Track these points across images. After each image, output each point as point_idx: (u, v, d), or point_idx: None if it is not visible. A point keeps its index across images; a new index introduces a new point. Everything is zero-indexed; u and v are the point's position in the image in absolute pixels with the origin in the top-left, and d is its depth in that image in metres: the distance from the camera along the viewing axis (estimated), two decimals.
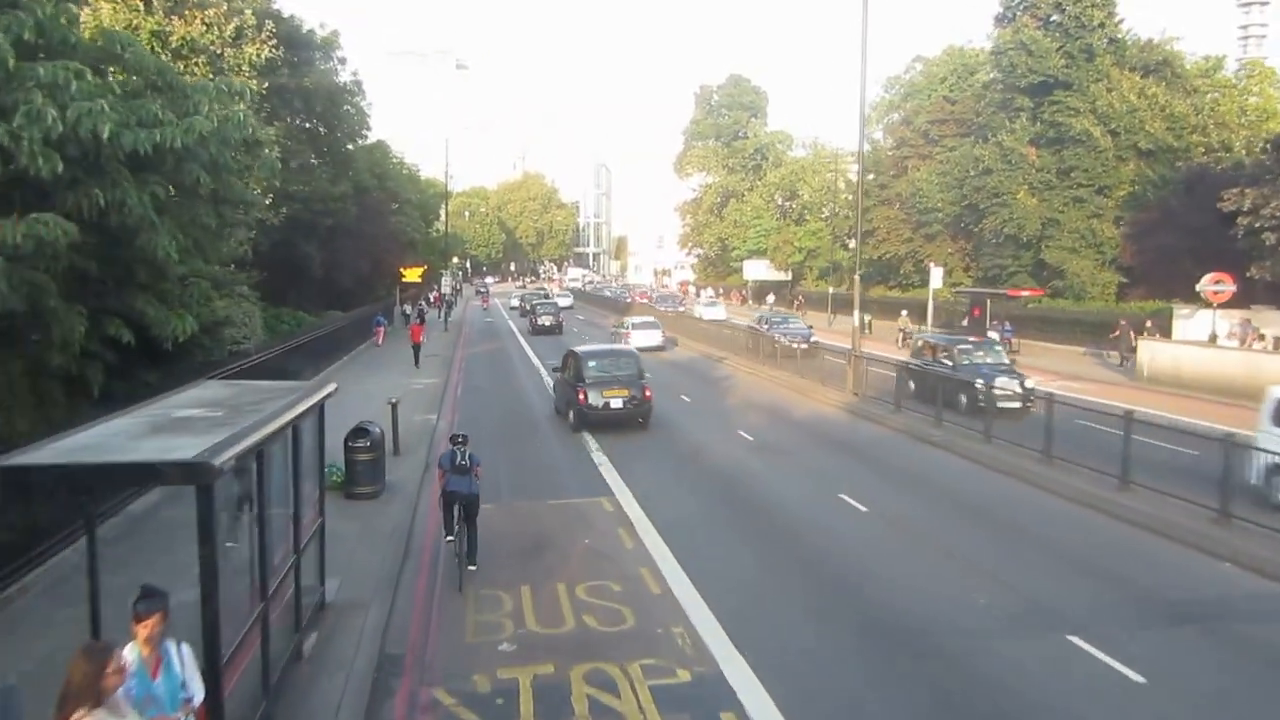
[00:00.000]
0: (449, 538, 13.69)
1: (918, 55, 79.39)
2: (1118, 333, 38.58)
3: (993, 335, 41.73)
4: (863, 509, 16.19)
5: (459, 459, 13.63)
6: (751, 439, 22.42)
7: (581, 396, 23.16)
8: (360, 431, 16.79)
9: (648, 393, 23.76)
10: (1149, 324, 38.72)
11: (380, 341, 46.43)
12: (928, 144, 63.65)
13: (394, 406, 20.23)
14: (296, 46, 37.32)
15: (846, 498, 16.79)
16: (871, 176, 65.42)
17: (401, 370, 35.51)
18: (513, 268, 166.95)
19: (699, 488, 18.12)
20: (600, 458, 20.45)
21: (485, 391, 31.73)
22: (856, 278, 29.30)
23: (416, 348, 38.59)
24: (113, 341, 14.08)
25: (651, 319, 49.33)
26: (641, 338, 41.79)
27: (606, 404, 23.18)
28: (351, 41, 49.47)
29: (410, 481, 18.06)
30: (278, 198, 30.90)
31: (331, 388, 11.16)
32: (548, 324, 54.79)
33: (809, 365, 32.11)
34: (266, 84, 27.52)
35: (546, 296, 74.28)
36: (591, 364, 24.12)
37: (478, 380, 34.87)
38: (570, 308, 77.24)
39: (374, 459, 16.79)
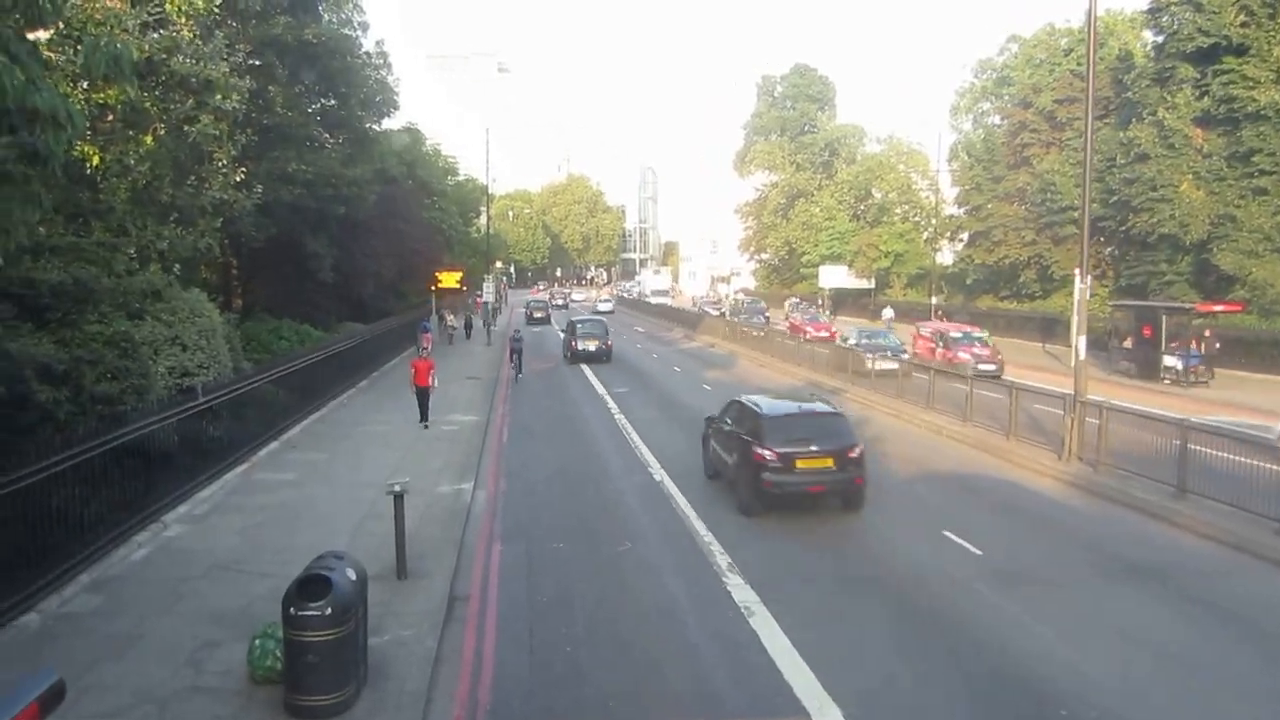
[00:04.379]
0: (512, 368, 34.36)
1: (1012, 35, 70.16)
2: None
3: (1173, 363, 32.93)
4: None
5: (517, 338, 35.07)
6: (972, 548, 13.83)
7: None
8: (315, 584, 8.50)
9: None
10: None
11: (427, 347, 38.06)
12: (1054, 128, 54.44)
13: (398, 499, 11.90)
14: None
15: None
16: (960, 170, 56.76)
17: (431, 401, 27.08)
18: (558, 273, 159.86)
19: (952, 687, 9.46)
20: (744, 593, 11.98)
21: (539, 435, 23.52)
22: (1081, 284, 20.06)
23: (423, 395, 23.13)
24: None
25: None
26: None
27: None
28: (388, 46, 42.20)
29: (419, 654, 9.74)
30: (257, 176, 22.86)
31: None
32: None
33: (980, 406, 23.29)
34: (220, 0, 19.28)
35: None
36: None
37: (529, 415, 26.69)
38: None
39: (339, 637, 8.49)
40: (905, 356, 32.95)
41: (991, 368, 33.24)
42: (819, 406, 17.36)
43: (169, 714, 8.45)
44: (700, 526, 14.90)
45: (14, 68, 6.87)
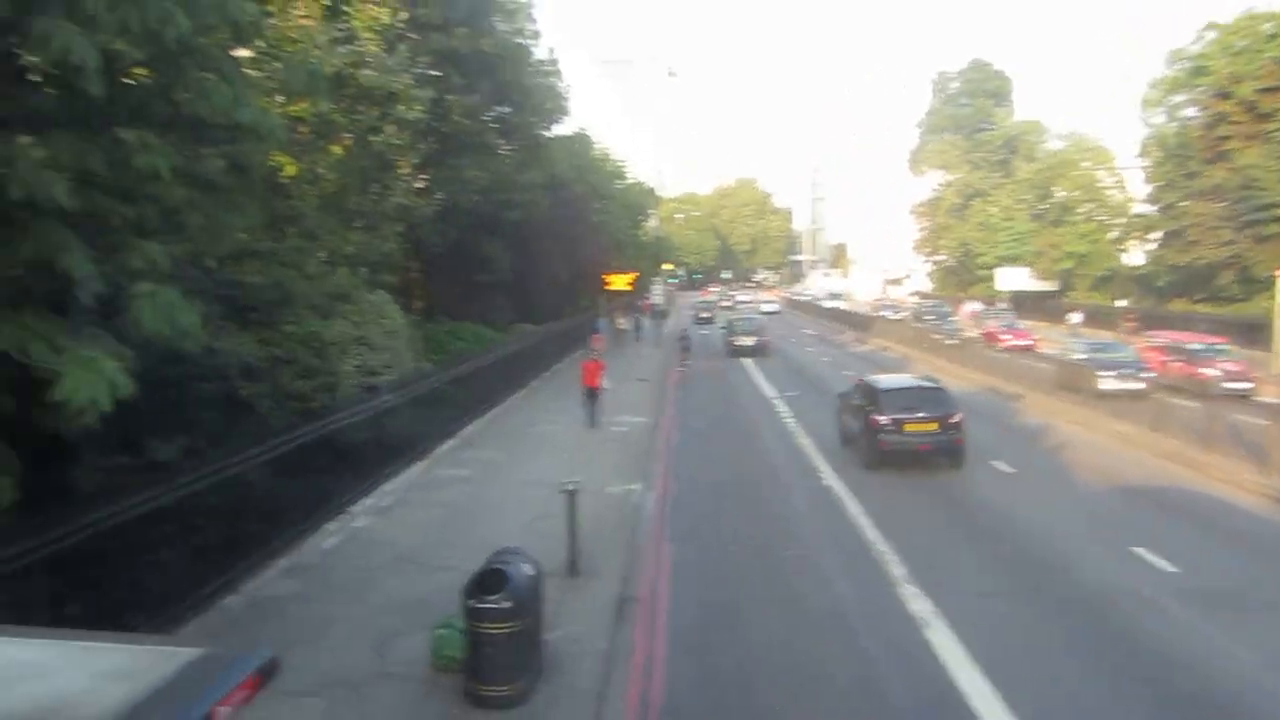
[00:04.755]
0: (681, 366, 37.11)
1: (1210, 22, 65.37)
2: None
3: None
4: None
5: (685, 338, 41.84)
6: (1165, 565, 12.90)
7: None
8: (492, 578, 8.73)
9: None
10: None
11: (599, 349, 38.32)
12: (1256, 119, 50.53)
13: (571, 498, 12.13)
14: (473, 7, 30.27)
15: None
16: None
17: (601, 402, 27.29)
18: (727, 275, 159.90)
19: None
20: (919, 604, 11.62)
21: (709, 438, 23.52)
22: None
23: (593, 397, 23.32)
24: None
25: None
26: None
27: None
28: (558, 52, 43.27)
29: (591, 651, 9.87)
30: (437, 183, 23.75)
31: None
32: None
33: (1172, 415, 21.83)
34: (405, 16, 20.11)
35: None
36: None
37: (698, 417, 26.68)
38: None
39: (516, 630, 8.70)
40: (1150, 375, 27.74)
41: (1244, 385, 27.72)
42: (926, 382, 20.89)
43: (359, 696, 8.84)
44: (874, 535, 14.54)
45: (222, 85, 7.35)
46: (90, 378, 6.37)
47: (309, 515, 13.21)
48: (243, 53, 11.95)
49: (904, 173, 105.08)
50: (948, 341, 42.92)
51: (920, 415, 18.49)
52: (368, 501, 15.36)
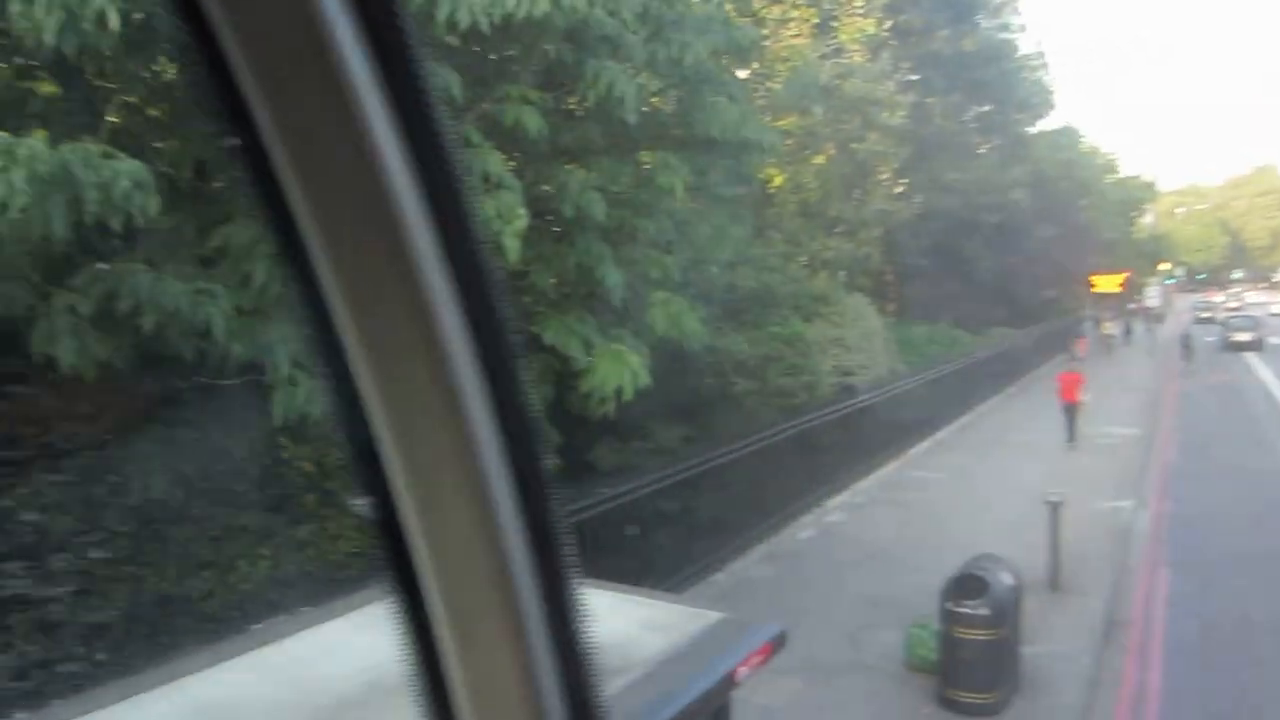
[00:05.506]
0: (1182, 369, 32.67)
1: None
2: None
3: None
4: None
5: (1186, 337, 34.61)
6: None
7: None
8: (971, 583, 8.67)
9: None
10: None
11: (1082, 354, 35.69)
12: None
13: (1055, 509, 11.58)
14: (956, 8, 29.67)
15: None
16: None
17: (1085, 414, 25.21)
18: (1238, 275, 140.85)
19: None
20: None
21: (1214, 456, 20.91)
22: None
23: (1071, 410, 21.51)
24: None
25: None
26: None
27: None
28: (1047, 44, 41.00)
29: (1074, 671, 9.41)
30: (915, 186, 23.69)
31: None
32: None
33: None
34: (889, 24, 20.27)
35: None
36: None
37: (1201, 431, 23.89)
38: None
39: (995, 638, 8.56)
40: None
41: None
42: None
43: (833, 682, 9.25)
44: None
45: (730, 105, 8.09)
46: (618, 369, 7.38)
47: (786, 506, 13.95)
48: (739, 74, 12.94)
49: None
50: None
51: None
52: (841, 497, 15.85)
